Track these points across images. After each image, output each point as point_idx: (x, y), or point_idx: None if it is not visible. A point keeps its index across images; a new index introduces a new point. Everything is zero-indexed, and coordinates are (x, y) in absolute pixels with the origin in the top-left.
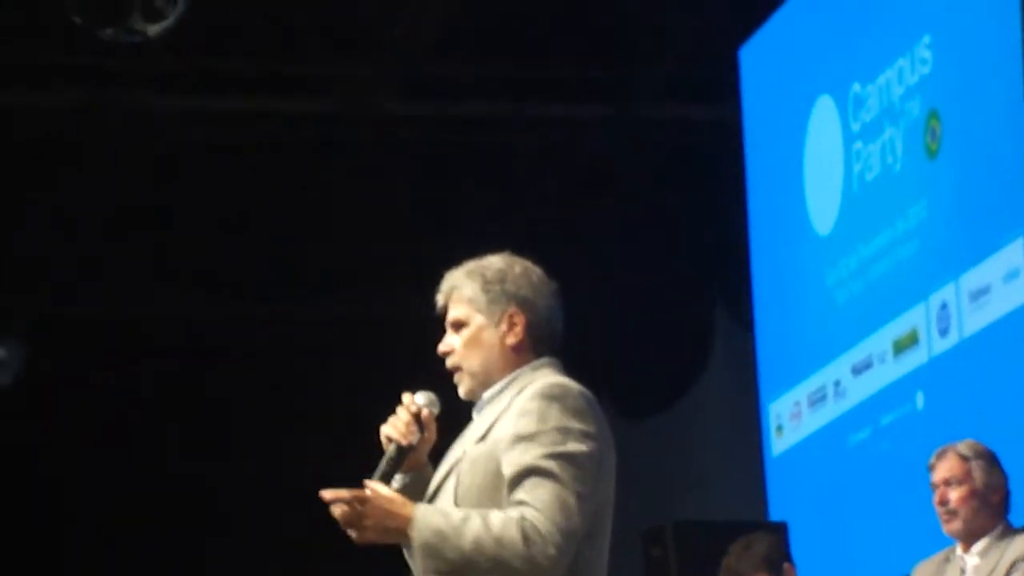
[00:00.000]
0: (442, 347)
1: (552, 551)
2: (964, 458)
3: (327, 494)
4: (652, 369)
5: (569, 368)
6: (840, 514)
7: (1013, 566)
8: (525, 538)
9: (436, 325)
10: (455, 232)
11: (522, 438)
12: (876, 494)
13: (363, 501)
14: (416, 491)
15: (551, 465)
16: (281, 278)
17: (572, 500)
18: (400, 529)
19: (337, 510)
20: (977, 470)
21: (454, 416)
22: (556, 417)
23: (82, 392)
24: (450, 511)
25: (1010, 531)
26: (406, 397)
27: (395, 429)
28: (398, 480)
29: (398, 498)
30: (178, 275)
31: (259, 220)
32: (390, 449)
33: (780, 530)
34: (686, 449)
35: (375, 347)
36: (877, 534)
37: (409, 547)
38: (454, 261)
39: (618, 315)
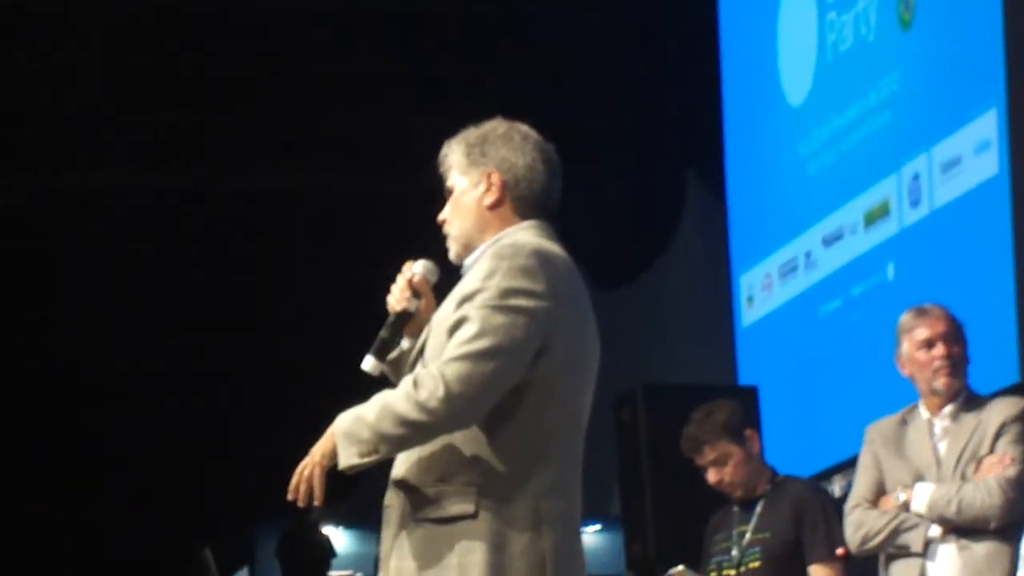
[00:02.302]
0: (440, 216)
1: (442, 393)
2: (953, 316)
3: (291, 495)
4: (624, 237)
5: None
6: (809, 383)
7: (1002, 428)
8: (416, 384)
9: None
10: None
11: (465, 297)
12: (845, 364)
13: (306, 462)
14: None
15: (479, 315)
16: (297, 150)
17: (488, 348)
18: (332, 435)
19: (304, 481)
20: (962, 329)
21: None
22: (500, 276)
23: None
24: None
25: (975, 397)
26: (405, 266)
27: (392, 296)
28: (405, 344)
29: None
30: (193, 149)
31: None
32: (390, 316)
33: (750, 394)
34: (658, 318)
35: (395, 219)
36: (844, 403)
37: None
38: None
39: (590, 183)
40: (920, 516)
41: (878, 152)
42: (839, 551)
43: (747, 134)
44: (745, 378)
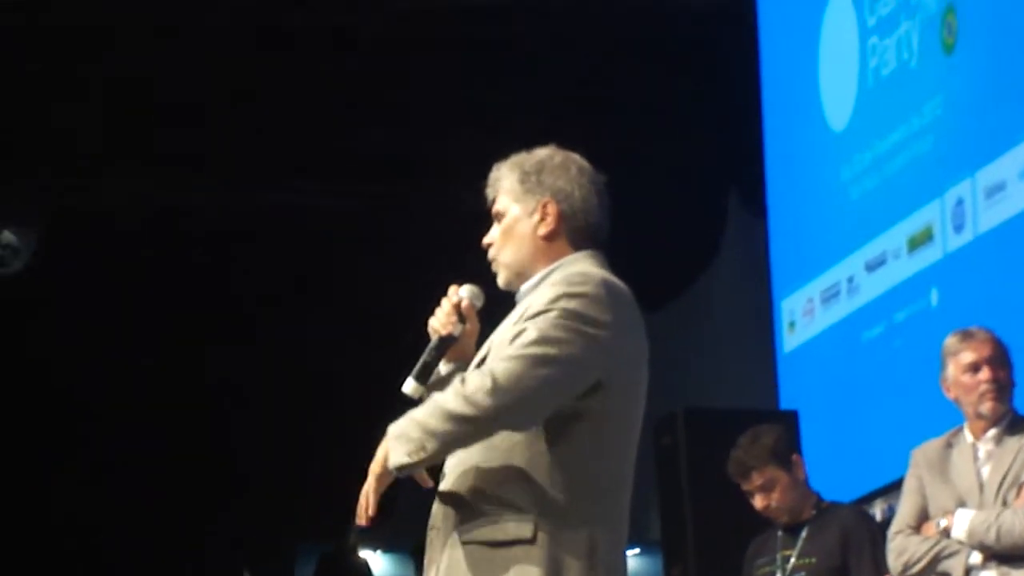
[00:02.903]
0: (486, 239)
1: (489, 385)
2: (999, 340)
3: (363, 520)
4: (667, 260)
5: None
6: (851, 408)
7: None
8: (464, 380)
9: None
10: (480, 120)
11: (529, 317)
12: (888, 390)
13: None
14: None
15: (538, 325)
16: (337, 167)
17: (541, 356)
18: (384, 444)
19: (368, 499)
20: (1008, 354)
21: (505, 310)
22: (568, 300)
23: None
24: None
25: (1019, 420)
26: (451, 289)
27: (436, 320)
28: (443, 369)
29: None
30: (204, 164)
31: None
32: (433, 340)
33: (790, 418)
34: (698, 341)
35: (438, 239)
36: (887, 430)
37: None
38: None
39: (633, 206)
40: (961, 543)
41: (921, 177)
42: None
43: (789, 158)
44: (786, 403)
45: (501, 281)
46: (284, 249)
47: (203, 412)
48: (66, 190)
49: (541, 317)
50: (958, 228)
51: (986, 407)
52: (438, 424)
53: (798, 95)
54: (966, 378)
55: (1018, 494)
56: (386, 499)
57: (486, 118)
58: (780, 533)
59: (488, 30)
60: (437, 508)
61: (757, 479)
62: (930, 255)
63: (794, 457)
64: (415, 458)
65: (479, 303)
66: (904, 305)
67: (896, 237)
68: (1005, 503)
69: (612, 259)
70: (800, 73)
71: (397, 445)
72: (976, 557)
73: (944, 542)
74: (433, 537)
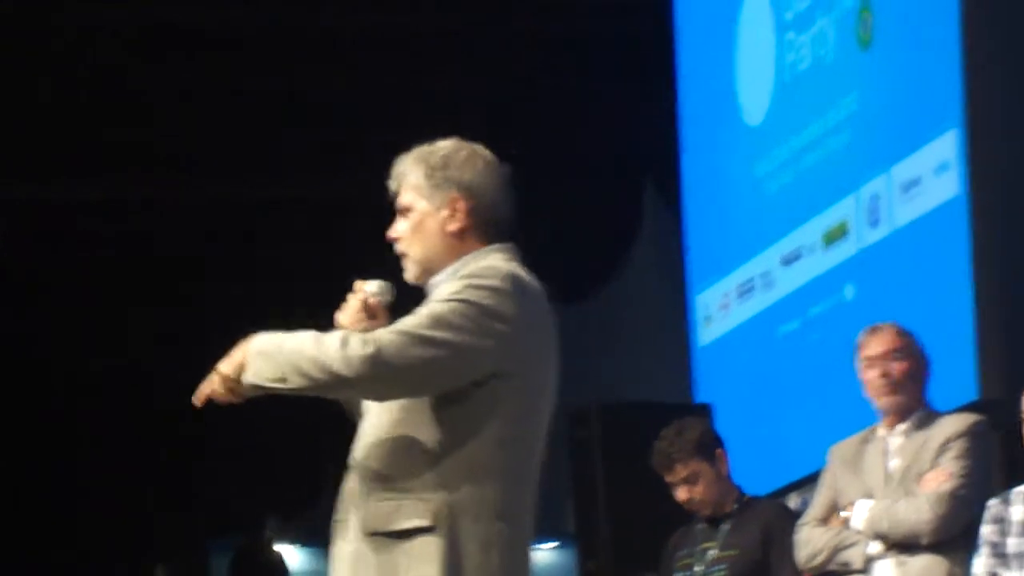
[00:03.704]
0: (392, 232)
1: (370, 351)
2: (901, 333)
3: (198, 400)
4: (583, 254)
5: None
6: (766, 402)
7: (945, 444)
8: (344, 342)
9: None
10: (390, 114)
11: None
12: (803, 383)
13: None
14: None
15: (435, 307)
16: (245, 160)
17: (434, 335)
18: (243, 351)
19: (213, 392)
20: (914, 346)
21: (418, 301)
22: (471, 291)
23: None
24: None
25: (930, 412)
26: (356, 285)
27: (343, 316)
28: None
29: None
30: (143, 157)
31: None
32: None
33: (705, 412)
34: (613, 335)
35: (341, 231)
36: (803, 423)
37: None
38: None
39: (545, 198)
40: (859, 533)
41: (837, 172)
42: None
43: (704, 153)
44: (702, 397)
45: (410, 276)
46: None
47: (114, 410)
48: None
49: (440, 302)
50: (873, 223)
51: (880, 402)
52: (308, 367)
53: (714, 90)
54: (866, 373)
55: (920, 483)
56: (298, 499)
57: (397, 111)
58: (701, 526)
59: (399, 23)
60: (343, 498)
61: (681, 471)
62: (845, 250)
63: (718, 451)
64: (272, 385)
65: (388, 297)
66: (819, 300)
67: (812, 232)
68: (907, 494)
69: (527, 253)
70: (717, 67)
71: (260, 362)
72: (875, 547)
73: (844, 533)
74: (338, 528)
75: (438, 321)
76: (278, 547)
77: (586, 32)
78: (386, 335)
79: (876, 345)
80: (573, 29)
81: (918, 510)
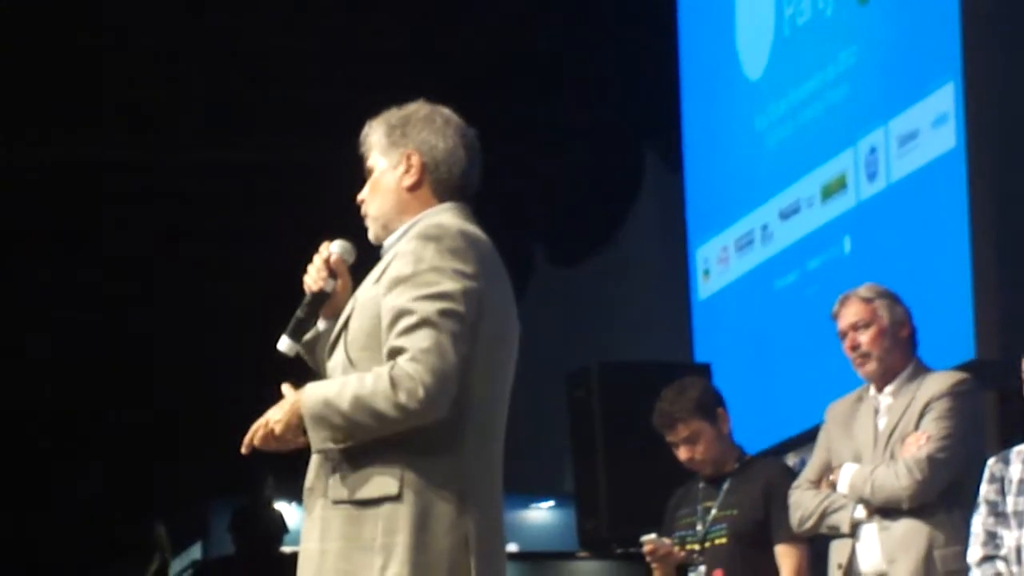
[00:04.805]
0: (360, 196)
1: (422, 394)
2: (867, 300)
3: (245, 449)
4: (581, 214)
5: (498, 215)
6: (766, 356)
7: (928, 405)
8: (394, 385)
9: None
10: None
11: (398, 281)
12: (802, 337)
13: (264, 422)
14: None
15: (423, 307)
16: (215, 122)
17: (445, 339)
18: (296, 411)
19: (257, 442)
20: (882, 309)
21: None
22: (431, 258)
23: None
24: (334, 380)
25: (921, 369)
26: (323, 245)
27: (308, 276)
28: (321, 326)
29: (288, 392)
30: (114, 119)
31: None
32: (306, 296)
33: (703, 372)
34: (614, 293)
35: (313, 194)
36: (801, 376)
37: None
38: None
39: (544, 159)
40: (845, 497)
41: (835, 126)
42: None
43: (705, 108)
44: (701, 351)
45: (371, 235)
46: (198, 202)
47: (112, 369)
48: None
49: (416, 289)
50: (871, 176)
51: (861, 372)
52: (368, 421)
53: (715, 44)
54: (843, 345)
55: (902, 446)
56: (296, 458)
57: (398, 75)
58: (702, 485)
59: None
60: (311, 467)
61: (683, 431)
62: (843, 203)
63: (719, 410)
64: (338, 446)
65: (350, 258)
66: (817, 253)
67: (810, 185)
68: (892, 456)
69: (528, 215)
70: (717, 22)
71: (319, 428)
72: (861, 511)
73: (832, 496)
74: (309, 498)
75: (445, 315)
76: (277, 505)
77: None
78: (416, 367)
79: (843, 318)
80: None
81: (897, 475)
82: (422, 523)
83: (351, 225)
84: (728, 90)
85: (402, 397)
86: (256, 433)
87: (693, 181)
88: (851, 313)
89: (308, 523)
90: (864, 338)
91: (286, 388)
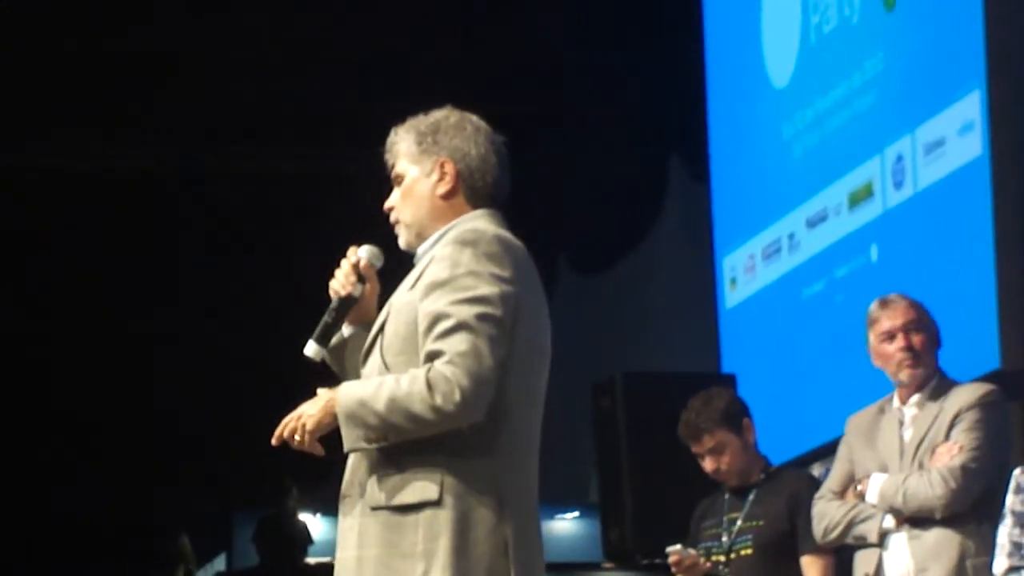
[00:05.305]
0: (388, 203)
1: (458, 396)
2: (917, 304)
3: (275, 440)
4: (606, 222)
5: (523, 222)
6: (793, 366)
7: (957, 416)
8: (430, 387)
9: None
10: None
11: (435, 285)
12: (829, 346)
13: (297, 415)
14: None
15: (460, 311)
16: (245, 130)
17: (482, 343)
18: (330, 410)
19: (286, 434)
20: (927, 317)
21: (406, 271)
22: (467, 262)
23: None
24: (369, 380)
25: (945, 381)
26: (351, 250)
27: (336, 280)
28: (346, 331)
29: (321, 392)
30: (135, 127)
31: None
32: (333, 301)
33: (728, 382)
34: (639, 302)
35: (342, 203)
36: (828, 386)
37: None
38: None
39: (572, 169)
40: (874, 507)
41: (862, 133)
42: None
43: (731, 116)
44: (728, 360)
45: (402, 242)
46: (222, 209)
47: (138, 378)
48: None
49: (454, 294)
50: (898, 184)
51: (904, 375)
52: (404, 423)
53: (741, 52)
54: (884, 347)
55: (932, 456)
56: (320, 468)
57: (424, 85)
58: (727, 496)
59: None
60: (348, 473)
61: (708, 442)
62: (870, 211)
63: (745, 421)
64: (372, 446)
65: (379, 263)
66: (844, 261)
67: (837, 193)
68: (921, 466)
69: (553, 224)
70: (743, 30)
71: (352, 427)
72: (889, 521)
73: (860, 506)
74: (345, 505)
75: (482, 319)
76: (302, 516)
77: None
78: (453, 370)
79: (893, 317)
80: None
81: (930, 484)
82: (463, 528)
83: (379, 233)
84: (754, 98)
85: (438, 400)
86: (287, 426)
87: (719, 189)
88: (901, 313)
89: (343, 530)
90: (916, 339)
91: (321, 390)
